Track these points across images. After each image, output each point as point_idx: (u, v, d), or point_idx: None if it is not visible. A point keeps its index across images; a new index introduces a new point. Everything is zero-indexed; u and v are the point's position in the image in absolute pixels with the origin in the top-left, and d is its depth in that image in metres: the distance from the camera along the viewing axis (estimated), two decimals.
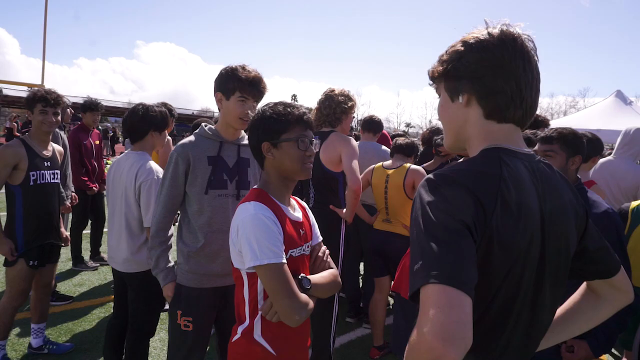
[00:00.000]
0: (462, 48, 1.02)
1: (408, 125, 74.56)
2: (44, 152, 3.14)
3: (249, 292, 1.53)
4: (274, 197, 1.57)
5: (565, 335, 1.24)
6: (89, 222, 5.47)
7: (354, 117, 3.46)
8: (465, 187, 0.91)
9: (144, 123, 2.72)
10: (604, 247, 1.14)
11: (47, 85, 9.42)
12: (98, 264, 5.38)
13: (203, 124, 2.25)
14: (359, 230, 4.13)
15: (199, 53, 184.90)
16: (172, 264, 2.23)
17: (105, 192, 4.23)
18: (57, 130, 4.54)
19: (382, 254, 3.57)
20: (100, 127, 17.93)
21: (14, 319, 3.18)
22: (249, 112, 2.09)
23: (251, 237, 1.43)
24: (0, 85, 23.75)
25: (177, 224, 2.28)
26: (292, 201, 1.69)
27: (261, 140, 1.57)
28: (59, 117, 3.15)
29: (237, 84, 2.07)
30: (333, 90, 3.23)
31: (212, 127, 2.22)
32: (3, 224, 3.05)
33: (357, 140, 4.17)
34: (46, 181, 3.12)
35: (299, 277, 1.52)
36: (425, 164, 4.20)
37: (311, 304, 1.49)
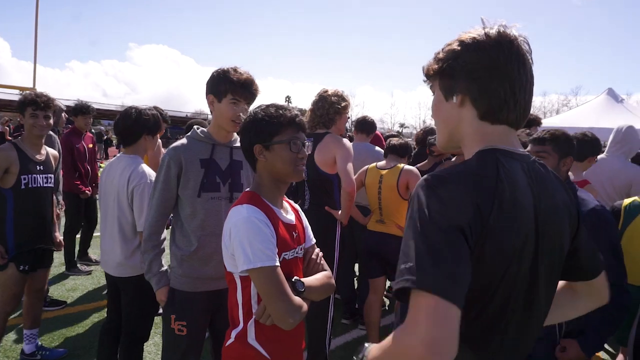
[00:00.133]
0: (459, 47, 1.01)
1: (402, 125, 74.94)
2: (37, 156, 3.12)
3: (242, 295, 1.52)
4: (267, 199, 1.57)
5: None
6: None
7: (348, 117, 3.46)
8: (463, 189, 0.91)
9: (137, 126, 2.69)
10: (590, 249, 1.15)
11: (39, 89, 9.38)
12: (91, 269, 5.34)
13: (195, 126, 2.24)
14: (353, 231, 4.12)
15: (192, 55, 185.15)
16: (165, 268, 2.21)
17: (97, 196, 4.20)
18: (53, 134, 4.51)
19: (377, 255, 3.56)
20: (94, 130, 17.79)
21: (6, 324, 3.14)
22: (241, 114, 2.08)
23: (244, 240, 1.42)
24: None
25: (170, 227, 2.27)
26: (285, 204, 1.68)
27: (253, 143, 1.56)
28: (51, 121, 3.13)
29: (228, 86, 2.06)
30: (326, 91, 3.23)
31: (205, 129, 2.21)
32: None
33: (350, 142, 4.17)
34: (38, 185, 3.10)
35: (293, 279, 1.51)
36: (419, 164, 4.21)
37: (305, 306, 1.49)
